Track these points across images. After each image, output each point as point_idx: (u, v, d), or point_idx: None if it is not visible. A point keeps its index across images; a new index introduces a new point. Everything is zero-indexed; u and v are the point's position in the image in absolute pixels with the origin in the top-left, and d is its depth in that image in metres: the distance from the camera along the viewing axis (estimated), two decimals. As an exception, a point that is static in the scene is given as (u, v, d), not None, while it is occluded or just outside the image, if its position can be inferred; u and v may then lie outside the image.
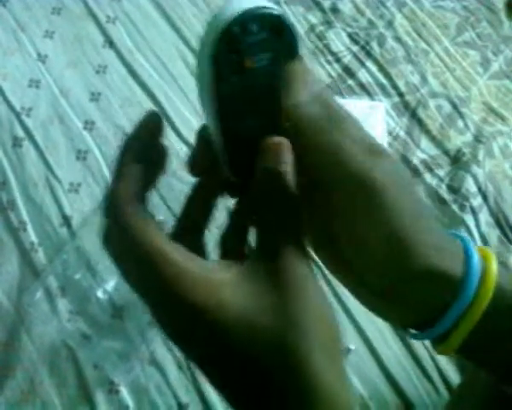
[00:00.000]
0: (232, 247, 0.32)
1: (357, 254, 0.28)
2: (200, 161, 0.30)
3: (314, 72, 0.30)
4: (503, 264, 0.27)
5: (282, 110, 0.27)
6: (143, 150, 0.27)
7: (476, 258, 0.27)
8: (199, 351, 0.26)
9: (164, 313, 0.26)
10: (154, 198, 0.73)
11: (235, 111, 0.27)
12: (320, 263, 0.31)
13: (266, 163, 0.27)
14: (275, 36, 0.26)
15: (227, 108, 0.27)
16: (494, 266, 0.27)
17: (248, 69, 0.26)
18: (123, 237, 0.25)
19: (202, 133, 0.30)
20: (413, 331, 0.31)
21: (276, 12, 0.25)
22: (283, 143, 0.27)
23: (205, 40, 0.26)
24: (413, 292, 0.28)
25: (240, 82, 0.26)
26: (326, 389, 0.24)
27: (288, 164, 0.27)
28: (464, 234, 0.30)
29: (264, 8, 0.25)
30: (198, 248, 0.31)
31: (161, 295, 0.25)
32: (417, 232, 0.27)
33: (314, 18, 0.94)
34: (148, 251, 0.25)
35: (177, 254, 0.25)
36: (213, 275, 0.25)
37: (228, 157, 0.29)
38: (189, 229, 0.31)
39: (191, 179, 0.31)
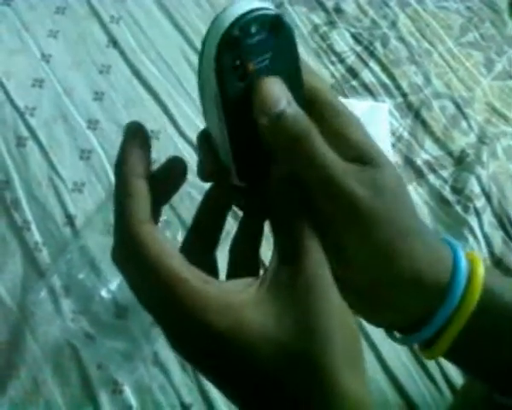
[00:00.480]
0: (242, 259, 0.32)
1: (343, 259, 0.28)
2: (206, 165, 0.30)
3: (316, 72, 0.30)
4: (502, 269, 0.28)
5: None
6: (142, 163, 0.26)
7: (464, 263, 0.28)
8: (216, 371, 0.25)
9: (179, 336, 0.25)
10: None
11: (240, 115, 0.27)
12: None
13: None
14: (273, 35, 0.26)
15: (232, 112, 0.27)
16: (481, 271, 0.28)
17: (251, 72, 0.26)
18: (136, 259, 0.24)
19: (203, 138, 0.30)
20: (398, 335, 0.31)
21: (273, 12, 0.26)
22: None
23: (206, 47, 0.26)
24: (399, 296, 0.28)
25: (243, 85, 0.26)
26: (351, 396, 0.24)
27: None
28: (454, 240, 0.30)
29: (262, 8, 0.26)
30: (210, 264, 0.30)
31: (178, 319, 0.24)
32: (404, 237, 0.27)
33: (317, 18, 0.94)
34: (164, 275, 0.24)
35: (194, 278, 0.24)
36: (232, 296, 0.24)
37: (234, 161, 0.29)
38: (201, 244, 0.31)
39: (195, 179, 0.31)
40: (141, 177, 0.26)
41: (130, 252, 0.25)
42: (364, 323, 0.69)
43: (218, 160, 0.30)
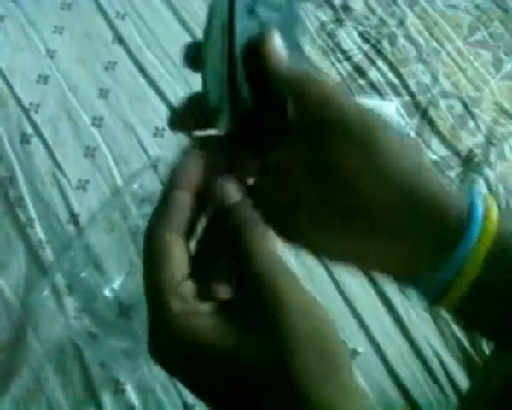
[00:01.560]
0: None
1: (360, 197, 0.27)
2: (186, 117, 0.31)
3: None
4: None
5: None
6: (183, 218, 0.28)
7: (480, 197, 0.27)
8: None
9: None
10: (156, 192, 0.72)
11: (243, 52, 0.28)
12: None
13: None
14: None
15: (237, 51, 0.28)
16: (495, 210, 0.27)
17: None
18: (175, 345, 0.26)
19: (193, 96, 0.31)
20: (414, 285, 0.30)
21: None
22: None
23: None
24: (417, 227, 0.27)
25: (253, 25, 0.28)
26: (318, 401, 0.24)
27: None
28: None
29: None
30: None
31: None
32: (421, 171, 0.27)
33: (325, 16, 0.93)
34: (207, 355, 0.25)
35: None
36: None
37: (230, 103, 0.29)
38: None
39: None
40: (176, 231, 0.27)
41: (166, 336, 0.26)
42: (371, 328, 0.70)
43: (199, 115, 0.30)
